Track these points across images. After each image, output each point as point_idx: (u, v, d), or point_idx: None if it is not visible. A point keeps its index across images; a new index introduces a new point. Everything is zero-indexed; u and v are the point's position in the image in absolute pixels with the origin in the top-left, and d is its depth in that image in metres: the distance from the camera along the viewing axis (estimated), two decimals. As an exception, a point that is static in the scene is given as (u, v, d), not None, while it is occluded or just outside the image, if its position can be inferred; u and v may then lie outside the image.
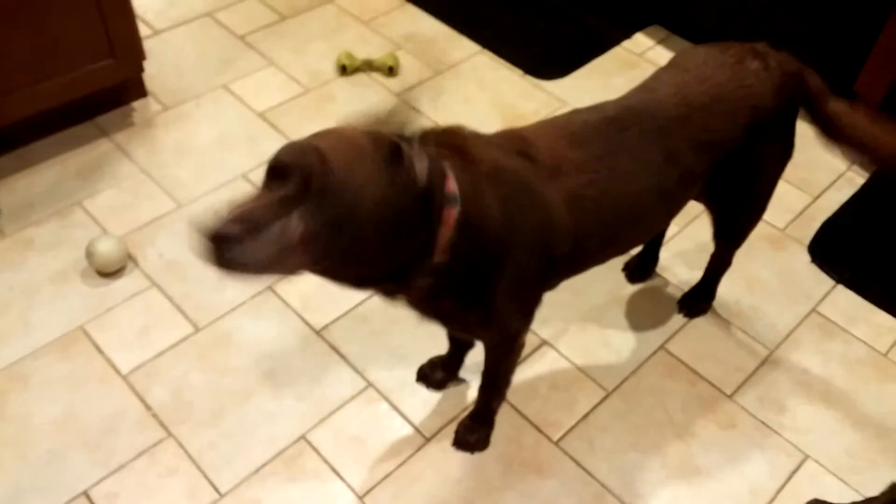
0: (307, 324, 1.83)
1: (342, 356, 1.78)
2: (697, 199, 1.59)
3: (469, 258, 1.18)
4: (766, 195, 1.65)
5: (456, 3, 2.88)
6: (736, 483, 1.65)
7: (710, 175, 1.46)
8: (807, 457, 1.71)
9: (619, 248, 1.50)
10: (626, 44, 2.77)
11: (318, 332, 1.82)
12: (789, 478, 1.67)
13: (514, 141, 1.28)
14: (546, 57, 2.70)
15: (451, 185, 1.12)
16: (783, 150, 1.59)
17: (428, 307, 1.29)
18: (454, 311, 1.30)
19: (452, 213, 1.11)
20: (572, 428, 1.71)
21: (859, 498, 1.61)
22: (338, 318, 1.84)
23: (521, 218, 1.22)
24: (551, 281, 1.39)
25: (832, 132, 1.56)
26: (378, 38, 2.68)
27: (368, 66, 2.55)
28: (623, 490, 1.62)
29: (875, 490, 1.62)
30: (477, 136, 1.25)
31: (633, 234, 1.49)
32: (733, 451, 1.70)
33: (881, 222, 2.24)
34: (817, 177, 2.36)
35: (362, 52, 2.56)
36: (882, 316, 2.01)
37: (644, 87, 1.46)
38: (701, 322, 1.95)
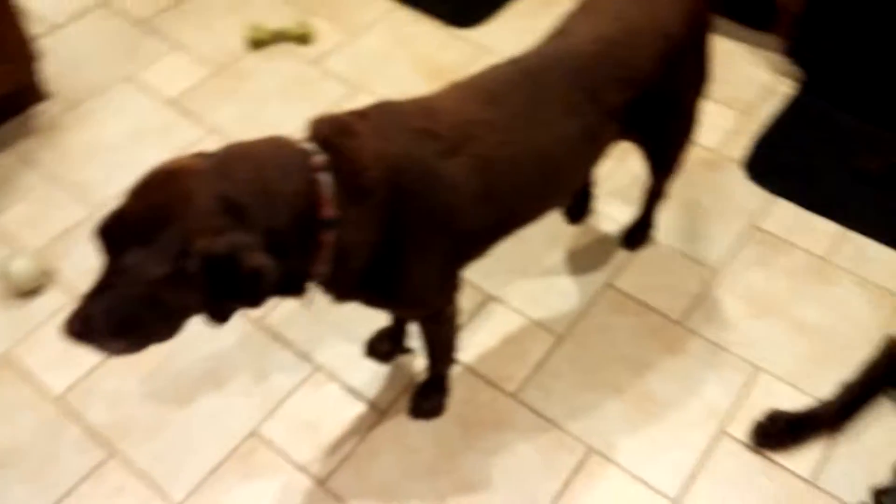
0: (244, 314, 1.78)
1: (285, 342, 1.74)
2: (625, 136, 1.56)
3: (365, 260, 1.17)
4: (690, 120, 1.63)
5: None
6: (693, 407, 1.66)
7: (633, 110, 1.43)
8: (758, 369, 1.72)
9: (551, 199, 1.46)
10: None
11: (257, 322, 1.77)
12: (744, 393, 1.68)
13: (418, 117, 1.22)
14: (463, 3, 2.62)
15: (328, 210, 1.09)
16: (699, 73, 1.57)
17: (345, 300, 1.26)
18: (371, 300, 1.29)
19: (330, 237, 1.10)
20: (527, 378, 1.70)
21: (813, 402, 1.64)
22: (275, 305, 1.80)
23: (414, 211, 1.18)
24: (472, 253, 1.36)
25: None
26: (287, 6, 2.57)
27: (280, 37, 2.45)
28: (583, 432, 1.62)
29: (827, 392, 1.65)
30: (374, 124, 1.19)
31: (562, 182, 1.45)
32: (688, 376, 1.71)
33: (812, 131, 2.24)
34: (745, 93, 2.35)
35: (272, 23, 2.45)
36: (819, 221, 2.02)
37: (559, 32, 1.42)
38: (644, 253, 1.94)
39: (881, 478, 1.54)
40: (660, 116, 1.54)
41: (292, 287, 1.14)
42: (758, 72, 2.41)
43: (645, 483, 1.55)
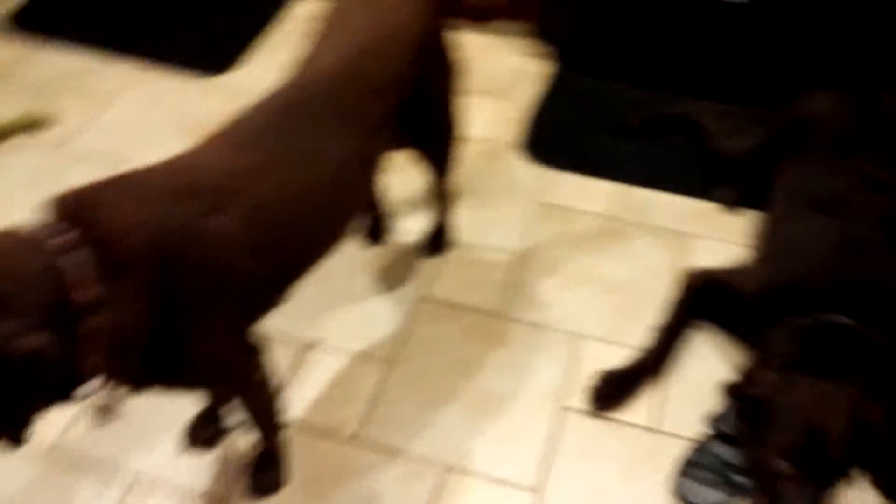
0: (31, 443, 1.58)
1: (91, 462, 1.55)
2: (396, 146, 1.53)
3: (143, 339, 1.06)
4: (452, 116, 1.64)
5: (91, 28, 2.59)
6: (531, 392, 1.67)
7: (395, 118, 1.41)
8: (580, 337, 1.77)
9: (336, 230, 1.39)
10: (297, 9, 2.66)
11: (51, 451, 1.57)
12: (573, 364, 1.72)
13: (173, 177, 1.13)
14: (210, 49, 2.52)
15: (83, 293, 0.97)
16: (448, 66, 1.58)
17: (140, 389, 1.14)
18: (167, 384, 1.17)
19: (96, 321, 0.98)
20: (364, 415, 1.63)
21: (634, 353, 1.70)
22: (69, 425, 1.60)
23: (186, 278, 1.08)
24: (263, 307, 1.27)
25: None
26: (11, 95, 2.34)
27: (11, 131, 2.22)
28: (434, 452, 1.58)
29: (641, 339, 1.72)
30: (125, 192, 1.08)
31: (343, 208, 1.40)
32: (518, 364, 1.72)
33: (575, 103, 2.36)
34: (504, 80, 2.42)
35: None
36: (601, 184, 2.12)
37: (304, 60, 1.37)
38: (450, 257, 1.94)
39: (711, 404, 1.62)
40: (422, 119, 1.54)
41: (67, 388, 1.00)
42: (510, 58, 2.50)
43: (505, 482, 1.54)
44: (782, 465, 1.36)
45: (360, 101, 1.32)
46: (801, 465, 1.34)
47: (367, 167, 1.39)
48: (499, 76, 2.43)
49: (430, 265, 1.92)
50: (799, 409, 1.38)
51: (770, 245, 1.74)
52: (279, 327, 1.72)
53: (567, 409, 1.65)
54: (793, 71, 2.20)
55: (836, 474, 1.35)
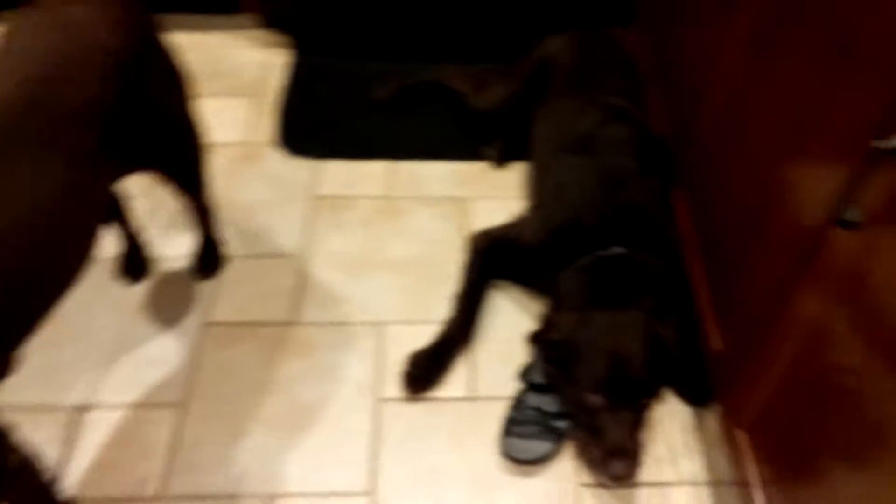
0: None
1: None
2: (129, 170, 1.36)
3: None
4: (189, 126, 1.48)
5: None
6: (344, 393, 1.59)
7: (116, 141, 1.23)
8: (382, 324, 1.70)
9: (63, 274, 1.20)
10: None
11: None
12: (380, 353, 1.65)
13: None
14: None
15: None
16: (171, 77, 1.42)
17: None
18: None
19: None
20: (166, 469, 1.46)
21: (438, 326, 1.66)
22: None
23: None
24: None
25: None
26: None
27: None
28: (254, 486, 1.44)
29: (443, 311, 1.68)
30: None
31: (68, 251, 1.19)
32: (325, 367, 1.63)
33: (323, 86, 2.26)
34: (247, 77, 2.28)
35: None
36: (367, 165, 2.06)
37: None
38: (227, 274, 1.79)
39: (521, 359, 1.62)
40: (155, 137, 1.37)
41: None
42: (249, 53, 2.36)
43: (337, 493, 1.44)
44: (594, 399, 1.38)
45: (57, 129, 1.12)
46: (611, 394, 1.38)
47: (87, 199, 1.20)
48: (244, 73, 2.29)
49: (207, 287, 1.76)
50: (598, 342, 1.42)
51: (539, 192, 1.77)
52: (37, 400, 1.49)
53: (384, 400, 1.58)
54: (528, 20, 2.26)
55: (644, 395, 1.40)
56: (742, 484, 1.25)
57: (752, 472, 1.23)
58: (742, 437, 1.27)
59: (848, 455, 0.95)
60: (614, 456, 1.35)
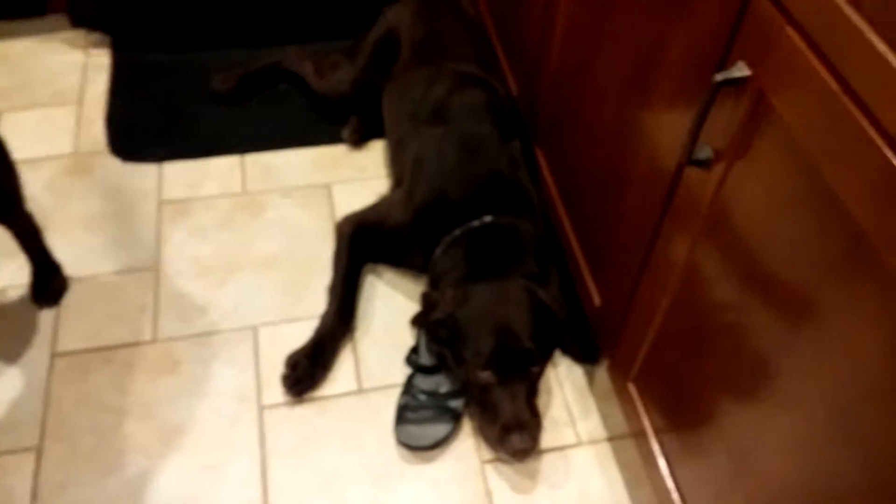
0: None
1: None
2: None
3: None
4: None
5: None
6: (222, 405, 1.47)
7: None
8: (256, 327, 1.60)
9: None
10: None
11: None
12: (258, 358, 1.55)
13: None
14: None
15: None
16: None
17: None
18: None
19: None
20: (27, 523, 1.30)
21: (315, 322, 1.57)
22: None
23: None
24: None
25: None
26: None
27: None
28: (131, 524, 1.31)
29: (318, 305, 1.60)
30: None
31: None
32: (196, 383, 1.50)
33: (152, 83, 2.09)
34: (67, 83, 2.07)
35: None
36: (214, 161, 1.92)
37: None
38: (70, 300, 1.61)
39: (407, 343, 1.56)
40: None
41: None
42: (65, 57, 2.14)
43: (226, 517, 1.34)
44: (484, 376, 1.35)
45: None
46: (501, 369, 1.34)
47: None
48: (61, 79, 2.08)
49: (50, 316, 1.58)
50: (481, 317, 1.38)
51: (399, 169, 1.71)
52: None
53: (267, 408, 1.48)
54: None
55: (534, 364, 1.37)
56: (638, 435, 1.25)
57: (645, 422, 1.23)
58: (632, 389, 1.27)
59: (735, 391, 0.96)
60: (512, 431, 1.33)
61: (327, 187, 1.87)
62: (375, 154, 1.95)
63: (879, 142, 0.64)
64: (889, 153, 0.63)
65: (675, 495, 1.15)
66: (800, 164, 0.76)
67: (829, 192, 0.71)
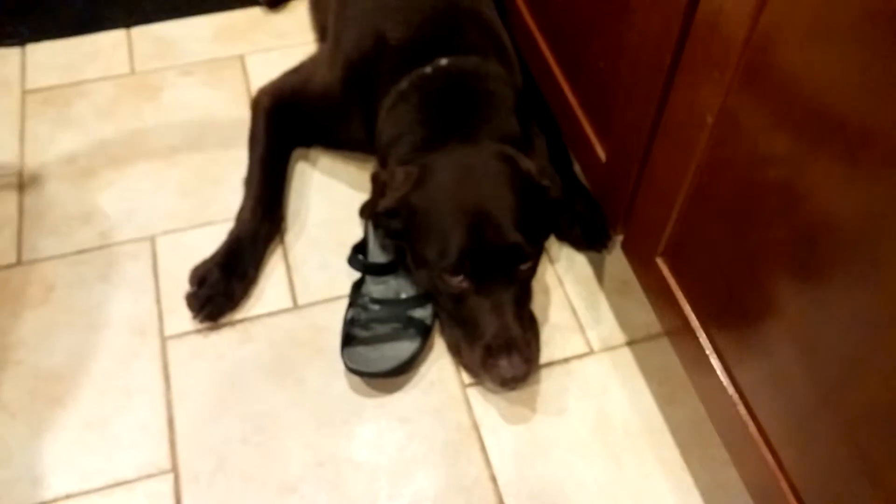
0: None
1: None
2: None
3: None
4: None
5: None
6: (112, 343, 1.10)
7: None
8: (151, 238, 1.21)
9: None
10: None
11: None
12: (157, 277, 1.17)
13: None
14: None
15: None
16: None
17: None
18: None
19: None
20: None
21: (230, 225, 1.19)
22: None
23: None
24: None
25: None
26: None
27: None
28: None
29: (233, 205, 1.21)
30: None
31: None
32: (77, 314, 1.13)
33: None
34: None
35: None
36: (103, 37, 1.50)
37: None
38: None
39: (352, 241, 1.18)
40: None
41: None
42: None
43: (128, 481, 0.98)
44: (456, 282, 0.98)
45: None
46: (477, 272, 0.97)
47: None
48: None
49: None
50: (445, 200, 1.00)
51: (323, 16, 1.30)
52: None
53: (172, 338, 1.11)
54: None
55: (523, 259, 1.00)
56: (677, 331, 0.90)
57: (687, 309, 0.88)
58: (662, 266, 0.92)
59: (795, 264, 0.65)
60: (499, 354, 0.96)
61: (239, 59, 1.47)
62: (299, 15, 1.54)
63: None
64: None
65: (739, 406, 0.80)
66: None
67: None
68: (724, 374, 0.83)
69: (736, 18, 0.66)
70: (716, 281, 0.81)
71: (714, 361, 0.84)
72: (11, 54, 1.46)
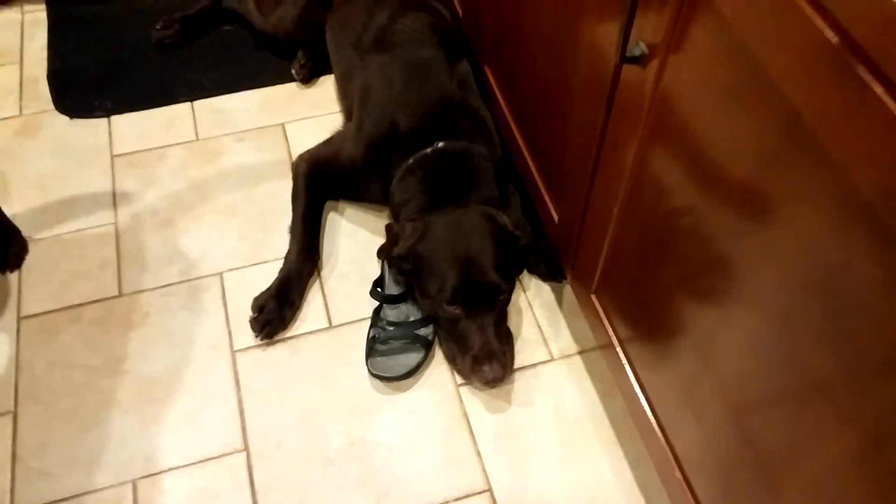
0: None
1: None
2: None
3: None
4: None
5: None
6: (195, 357, 1.47)
7: None
8: (222, 273, 1.59)
9: None
10: None
11: None
12: (226, 303, 1.54)
13: None
14: None
15: None
16: None
17: None
18: None
19: None
20: (10, 482, 1.31)
21: (280, 264, 1.56)
22: None
23: None
24: None
25: None
26: None
27: None
28: (115, 474, 1.32)
29: (282, 247, 1.59)
30: None
31: None
32: (167, 335, 1.50)
33: (89, 35, 2.02)
34: (4, 41, 2.00)
35: None
36: (164, 111, 1.88)
37: None
38: (31, 260, 1.59)
39: (373, 276, 1.56)
40: None
41: None
42: (1, 16, 2.07)
43: (211, 458, 1.35)
44: (451, 310, 1.35)
45: None
46: (467, 302, 1.34)
47: None
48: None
49: (12, 280, 1.56)
50: (444, 250, 1.37)
51: (348, 101, 1.68)
52: None
53: (240, 352, 1.48)
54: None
55: (501, 294, 1.37)
56: (605, 346, 1.27)
57: (610, 332, 1.24)
58: (595, 301, 1.28)
59: (693, 293, 0.95)
60: (483, 362, 1.34)
61: (281, 127, 1.84)
62: (327, 89, 1.91)
63: (808, 10, 0.62)
64: (819, 22, 0.61)
65: (643, 402, 1.17)
66: (731, 50, 0.74)
67: (763, 74, 0.69)
68: (634, 377, 1.19)
69: (642, 87, 0.92)
70: (631, 308, 1.17)
71: (627, 369, 1.20)
72: (101, 125, 1.84)
